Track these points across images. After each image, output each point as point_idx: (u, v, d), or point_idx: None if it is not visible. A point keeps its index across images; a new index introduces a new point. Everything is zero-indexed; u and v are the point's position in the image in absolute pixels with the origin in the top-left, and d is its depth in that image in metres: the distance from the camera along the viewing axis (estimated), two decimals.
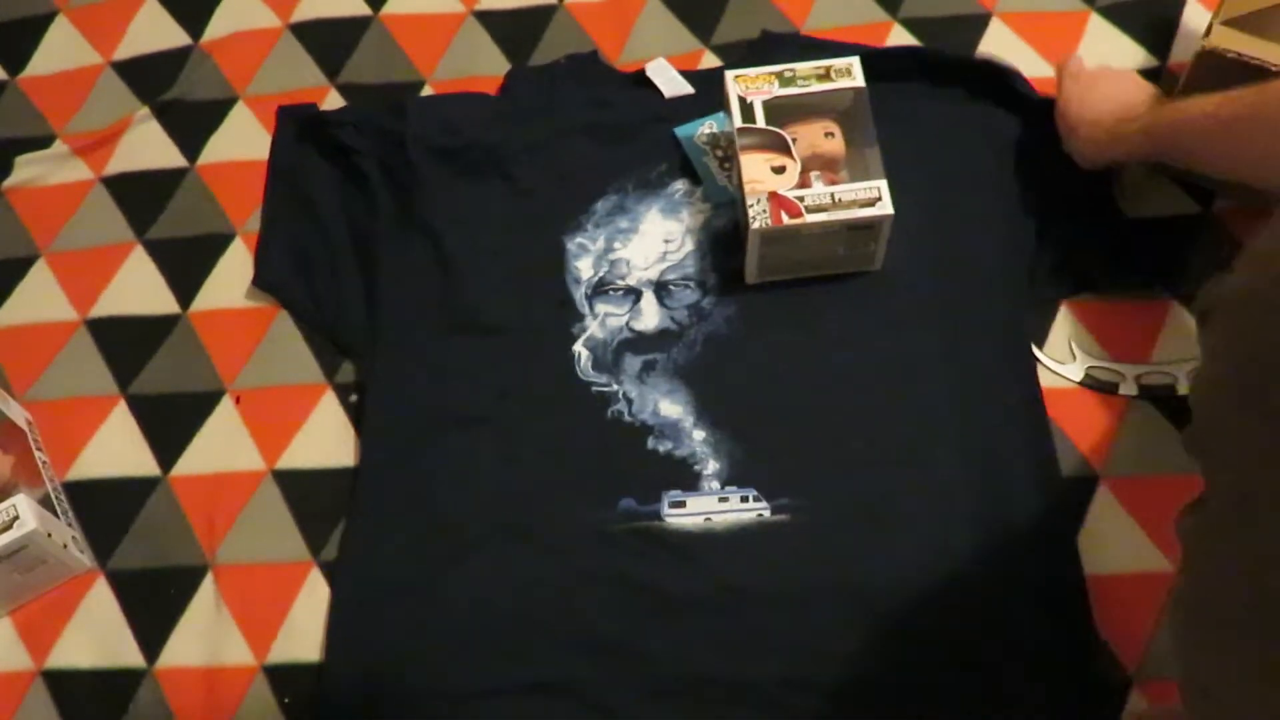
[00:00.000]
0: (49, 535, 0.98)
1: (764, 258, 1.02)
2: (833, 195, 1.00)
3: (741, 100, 1.05)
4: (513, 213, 1.12)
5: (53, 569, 1.00)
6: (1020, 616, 0.92)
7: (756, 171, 1.02)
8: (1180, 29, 1.18)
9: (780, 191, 1.00)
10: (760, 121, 1.04)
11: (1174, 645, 0.64)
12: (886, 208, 0.99)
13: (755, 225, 0.99)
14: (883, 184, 0.99)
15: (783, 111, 1.04)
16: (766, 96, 1.05)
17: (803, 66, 1.05)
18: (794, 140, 1.03)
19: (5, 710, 0.99)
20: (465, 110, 1.18)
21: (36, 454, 1.05)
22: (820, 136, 1.03)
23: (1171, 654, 0.63)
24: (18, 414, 1.06)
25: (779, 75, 1.05)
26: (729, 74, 1.06)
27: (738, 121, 1.04)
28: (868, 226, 1.00)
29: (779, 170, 1.01)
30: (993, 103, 1.12)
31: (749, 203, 1.00)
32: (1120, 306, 1.05)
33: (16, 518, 0.96)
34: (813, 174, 1.01)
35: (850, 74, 1.05)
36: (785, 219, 0.99)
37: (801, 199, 1.00)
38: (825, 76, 1.05)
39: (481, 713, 0.93)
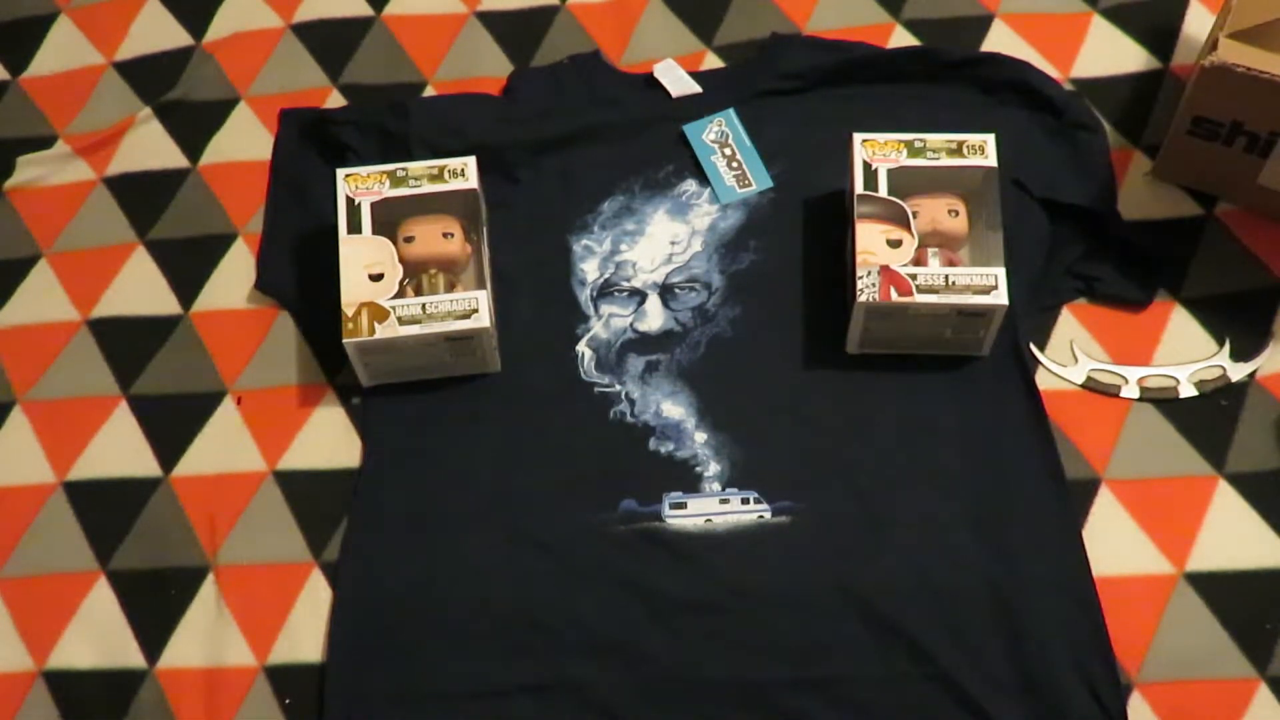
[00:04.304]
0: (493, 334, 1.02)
1: (867, 330, 1.00)
2: (947, 277, 0.97)
3: (866, 165, 1.02)
4: (517, 214, 1.12)
5: (472, 362, 1.03)
6: (1024, 618, 0.92)
7: (871, 242, 0.99)
8: (1183, 32, 1.18)
9: (893, 266, 0.98)
10: (883, 189, 1.01)
11: None
12: (1001, 297, 0.96)
13: (862, 298, 0.97)
14: (1000, 271, 0.97)
15: (908, 181, 1.02)
16: (892, 165, 1.02)
17: (934, 138, 1.02)
18: (915, 214, 1.00)
19: (6, 710, 0.98)
20: (469, 111, 1.18)
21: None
22: (944, 213, 1.01)
23: None
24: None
25: (908, 144, 1.02)
26: (857, 137, 1.03)
27: (859, 188, 1.01)
28: (979, 314, 0.98)
29: (895, 244, 0.99)
30: (1000, 100, 1.13)
31: (859, 274, 0.98)
32: (1122, 309, 1.06)
33: (475, 310, 1.00)
34: (930, 250, 0.99)
35: (984, 152, 1.02)
36: (894, 295, 0.97)
37: (914, 277, 0.97)
38: (957, 151, 1.02)
39: (481, 713, 0.93)
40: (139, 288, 1.15)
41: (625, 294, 1.08)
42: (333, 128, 1.18)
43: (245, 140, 1.22)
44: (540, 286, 1.09)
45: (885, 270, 0.98)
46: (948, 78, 1.14)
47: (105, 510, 1.05)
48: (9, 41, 1.33)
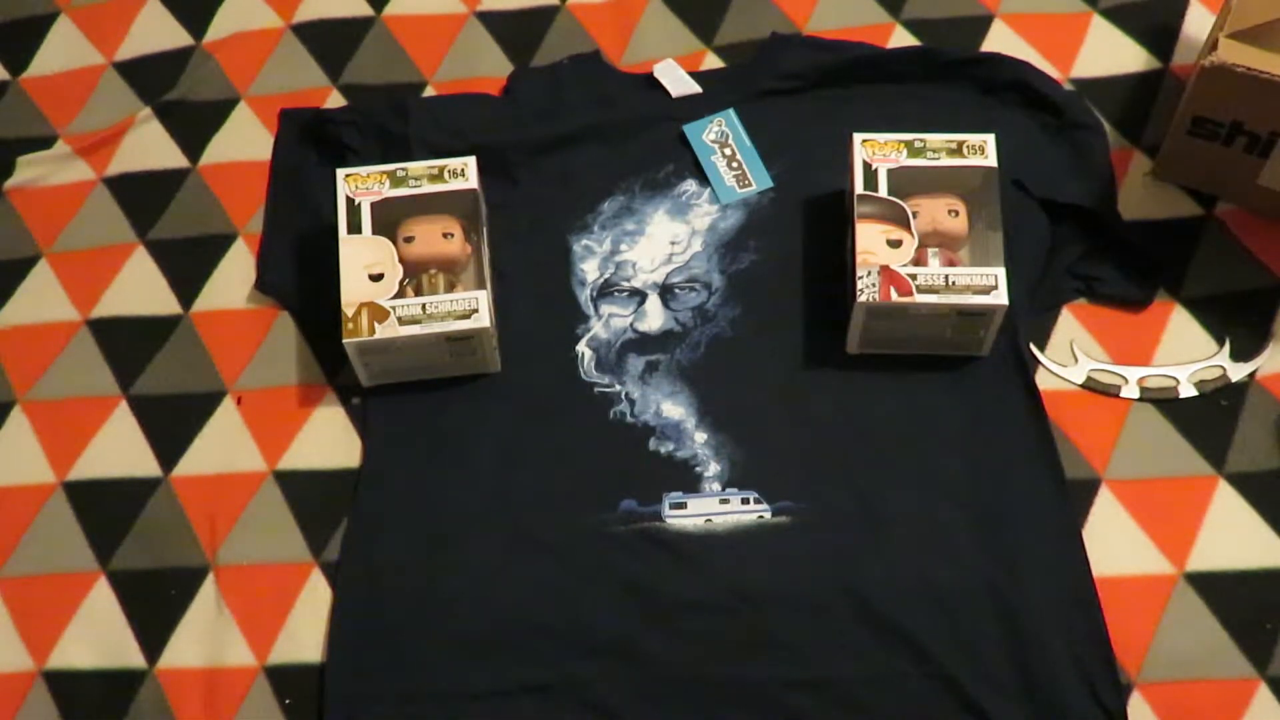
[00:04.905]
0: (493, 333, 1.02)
1: (867, 330, 1.01)
2: (947, 277, 0.97)
3: (866, 166, 1.02)
4: (517, 214, 1.12)
5: (472, 362, 1.03)
6: (1024, 618, 0.92)
7: (871, 242, 0.99)
8: (1183, 32, 1.18)
9: (893, 266, 0.98)
10: (883, 189, 1.01)
11: None
12: (1001, 298, 0.96)
13: (862, 298, 0.97)
14: (1000, 271, 0.97)
15: (908, 181, 1.02)
16: (892, 165, 1.02)
17: (934, 138, 1.02)
18: (915, 214, 1.00)
19: (6, 711, 0.98)
20: (468, 111, 1.18)
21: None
22: (944, 213, 1.00)
23: None
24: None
25: (908, 144, 1.02)
26: (857, 137, 1.03)
27: (859, 188, 1.01)
28: (979, 314, 0.98)
29: (895, 244, 0.99)
30: (1000, 100, 1.13)
31: (859, 274, 0.98)
32: (1122, 309, 1.06)
33: (475, 310, 1.00)
34: (930, 250, 0.99)
35: (984, 152, 1.02)
36: (894, 295, 0.97)
37: (914, 277, 0.97)
38: (957, 151, 1.02)
39: (481, 713, 0.93)
40: (139, 288, 1.15)
41: (625, 294, 1.08)
42: (333, 128, 1.18)
43: (245, 140, 1.22)
44: (540, 286, 1.09)
45: (885, 270, 0.98)
46: (948, 78, 1.14)
47: (105, 510, 1.05)
48: (9, 41, 1.33)
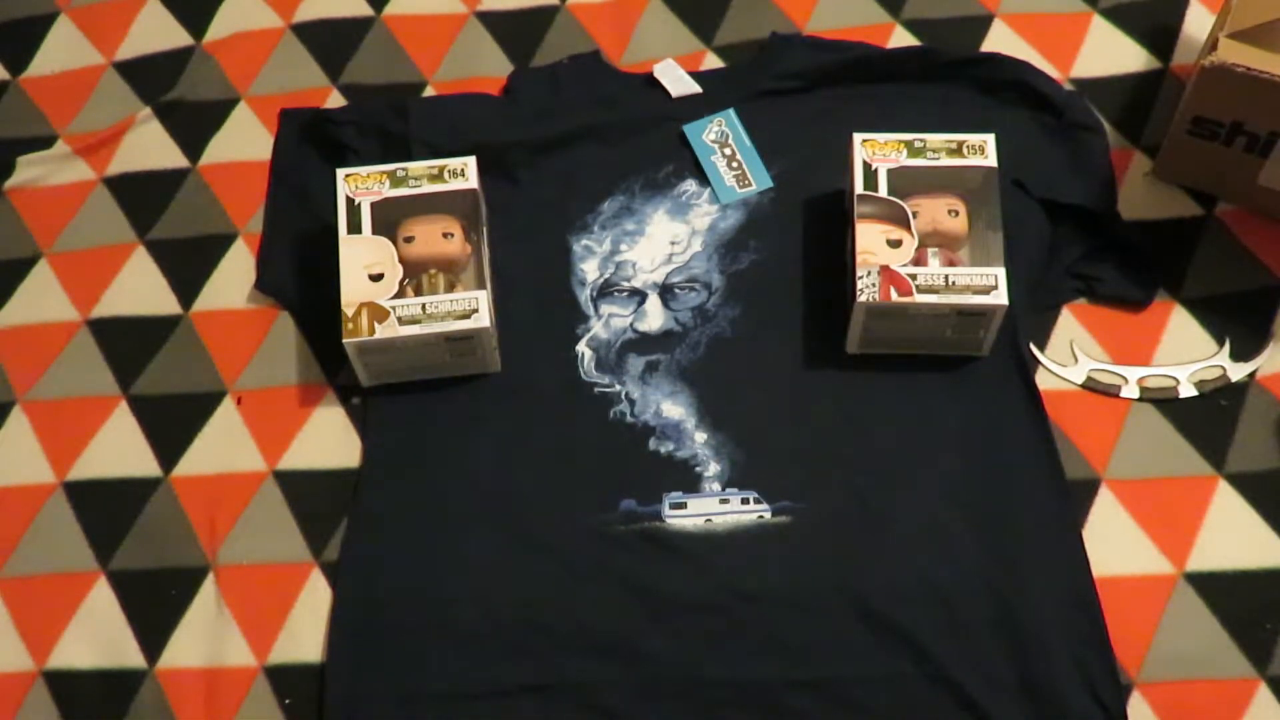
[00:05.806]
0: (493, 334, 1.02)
1: (867, 330, 1.01)
2: (947, 277, 0.97)
3: (866, 165, 1.02)
4: (517, 214, 1.12)
5: (472, 362, 1.04)
6: (1025, 618, 0.92)
7: (871, 242, 0.99)
8: (1183, 32, 1.18)
9: (893, 266, 0.98)
10: (883, 189, 1.01)
11: None
12: (1001, 297, 0.96)
13: (862, 298, 0.97)
14: (1000, 271, 0.97)
15: (908, 181, 1.01)
16: (892, 165, 1.02)
17: (934, 138, 1.02)
18: (915, 214, 1.00)
19: (5, 711, 0.98)
20: (468, 111, 1.18)
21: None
22: (944, 213, 1.00)
23: None
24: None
25: (908, 144, 1.02)
26: (857, 137, 1.03)
27: (859, 188, 1.01)
28: (979, 314, 0.98)
29: (895, 244, 0.99)
30: (1000, 100, 1.13)
31: (859, 274, 0.98)
32: (1122, 309, 1.06)
33: (475, 310, 1.00)
34: (930, 250, 0.99)
35: (984, 152, 1.02)
36: (894, 295, 0.97)
37: (914, 277, 0.97)
38: (957, 151, 1.02)
39: (481, 713, 0.93)
40: (139, 288, 1.15)
41: (625, 294, 1.08)
42: (333, 128, 1.18)
43: (245, 140, 1.22)
44: (540, 286, 1.09)
45: (885, 270, 0.98)
46: (947, 77, 1.14)
47: (105, 510, 1.05)
48: (9, 41, 1.33)
